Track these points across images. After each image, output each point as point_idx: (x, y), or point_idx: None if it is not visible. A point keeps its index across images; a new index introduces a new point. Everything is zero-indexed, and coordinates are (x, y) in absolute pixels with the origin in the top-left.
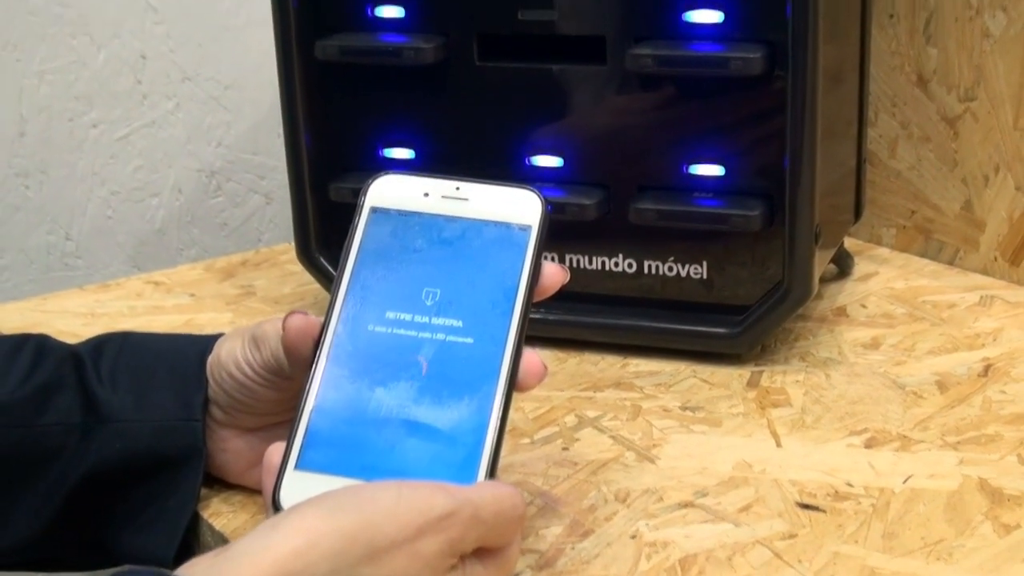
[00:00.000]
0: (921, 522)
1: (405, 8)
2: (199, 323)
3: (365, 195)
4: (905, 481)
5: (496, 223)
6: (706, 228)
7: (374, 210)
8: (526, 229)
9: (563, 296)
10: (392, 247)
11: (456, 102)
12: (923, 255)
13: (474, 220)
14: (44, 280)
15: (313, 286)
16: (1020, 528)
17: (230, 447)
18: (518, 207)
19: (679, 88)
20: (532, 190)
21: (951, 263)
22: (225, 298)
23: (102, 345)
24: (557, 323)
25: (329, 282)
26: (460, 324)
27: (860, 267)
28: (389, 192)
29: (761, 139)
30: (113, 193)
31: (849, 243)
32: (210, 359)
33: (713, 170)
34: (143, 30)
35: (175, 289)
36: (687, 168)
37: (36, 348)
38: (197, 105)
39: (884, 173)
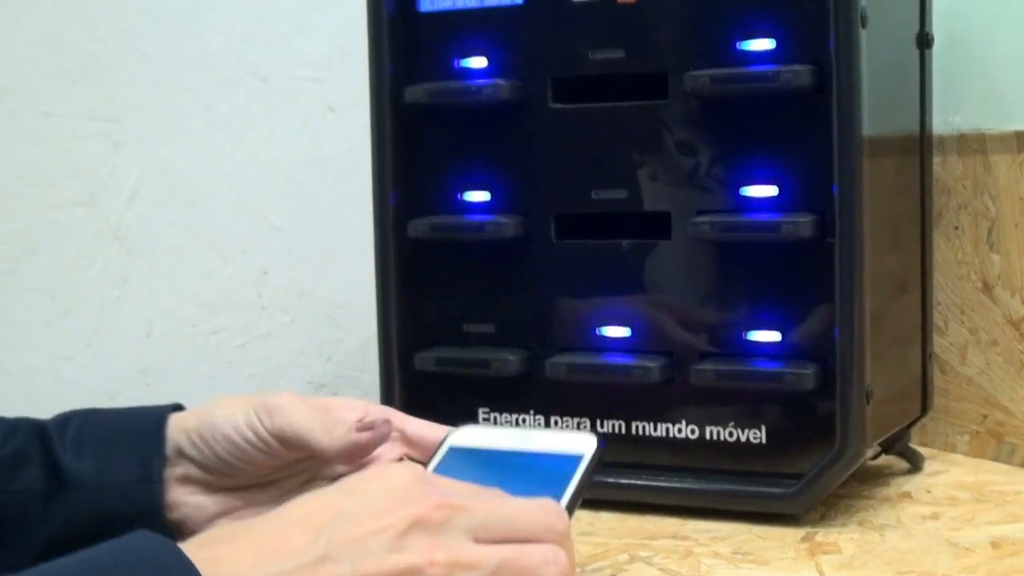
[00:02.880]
0: None
1: (491, 191)
2: None
3: (446, 439)
4: None
5: (555, 453)
6: (762, 388)
7: (452, 448)
8: (580, 455)
9: (628, 464)
10: (464, 469)
11: (534, 277)
12: (996, 459)
13: (536, 452)
14: None
15: None
16: None
17: (192, 501)
18: (576, 443)
19: (737, 258)
20: (590, 433)
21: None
22: None
23: (68, 419)
24: (620, 487)
25: None
26: None
27: (931, 466)
28: (466, 436)
29: (815, 306)
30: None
31: (923, 451)
32: (199, 422)
33: (770, 336)
34: (267, 248)
35: None
36: (746, 335)
37: (9, 425)
38: (311, 321)
39: (956, 380)
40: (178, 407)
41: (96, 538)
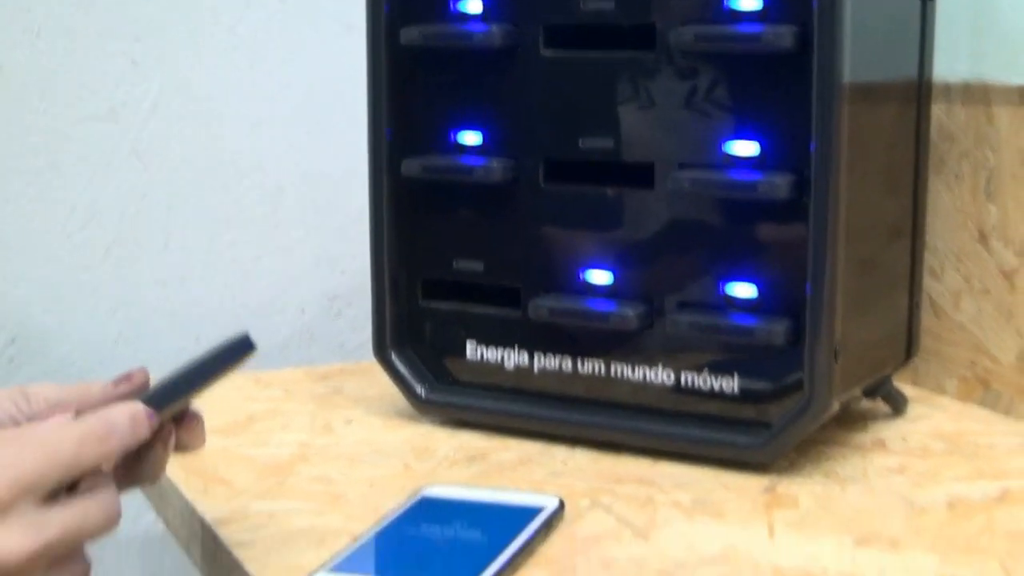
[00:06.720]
0: None
1: (483, 134)
2: (283, 410)
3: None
4: (880, 574)
5: (516, 505)
6: (734, 341)
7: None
8: (540, 509)
9: (606, 403)
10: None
11: (522, 219)
12: (982, 404)
13: (498, 503)
14: None
15: (392, 389)
16: None
17: None
18: (539, 500)
19: (718, 212)
20: (555, 497)
21: (1007, 412)
22: (312, 394)
23: None
24: (596, 426)
25: (398, 379)
26: None
27: (916, 411)
28: (436, 490)
29: (792, 262)
30: (243, 306)
31: (913, 391)
32: None
33: (747, 290)
34: (283, 165)
35: (272, 385)
36: (723, 288)
37: None
38: (325, 235)
39: (949, 325)
40: None
41: None
